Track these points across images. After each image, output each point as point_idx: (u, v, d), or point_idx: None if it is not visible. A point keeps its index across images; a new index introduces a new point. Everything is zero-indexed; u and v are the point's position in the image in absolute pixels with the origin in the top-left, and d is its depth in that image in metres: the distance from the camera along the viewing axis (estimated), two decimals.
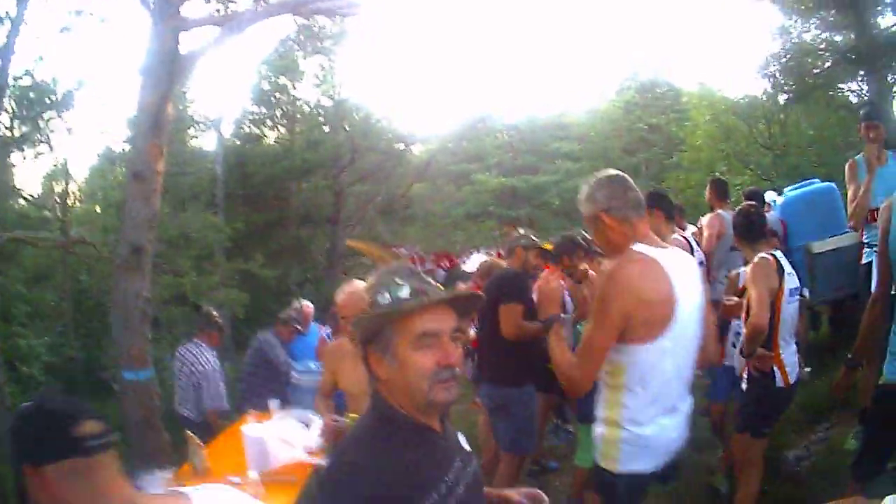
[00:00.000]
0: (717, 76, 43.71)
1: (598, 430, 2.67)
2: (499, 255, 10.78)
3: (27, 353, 12.55)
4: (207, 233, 12.57)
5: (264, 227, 17.95)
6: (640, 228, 2.61)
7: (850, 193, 4.58)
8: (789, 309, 3.83)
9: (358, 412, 2.58)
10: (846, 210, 5.64)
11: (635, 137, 26.85)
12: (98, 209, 15.47)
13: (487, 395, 4.91)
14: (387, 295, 1.69)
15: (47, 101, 9.77)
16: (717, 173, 13.35)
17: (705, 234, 6.15)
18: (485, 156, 28.12)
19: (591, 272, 5.93)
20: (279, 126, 20.52)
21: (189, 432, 4.28)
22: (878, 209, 4.20)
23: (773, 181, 12.79)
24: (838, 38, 13.87)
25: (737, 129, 17.04)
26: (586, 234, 6.23)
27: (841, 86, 14.95)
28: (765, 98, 16.08)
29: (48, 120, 10.12)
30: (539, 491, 2.01)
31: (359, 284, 4.42)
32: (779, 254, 3.91)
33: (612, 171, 2.76)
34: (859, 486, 3.19)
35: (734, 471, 4.23)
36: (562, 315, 4.95)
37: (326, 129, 19.25)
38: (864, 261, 4.65)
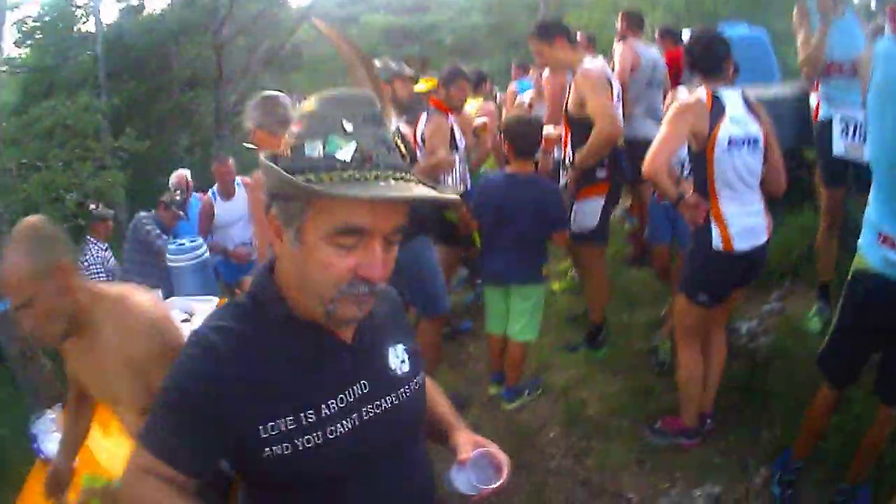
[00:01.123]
0: None
1: None
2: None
3: None
4: (82, 117, 11.73)
5: (145, 98, 17.32)
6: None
7: (799, 39, 4.12)
8: (735, 159, 3.11)
9: None
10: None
11: None
12: None
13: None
14: (319, 146, 1.13)
15: None
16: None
17: (617, 66, 5.68)
18: None
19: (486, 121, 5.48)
20: None
21: None
22: (834, 63, 3.96)
23: (685, 22, 12.38)
24: None
25: None
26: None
27: None
28: None
29: None
30: (494, 450, 1.48)
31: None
32: (729, 94, 3.18)
33: (267, 92, 3.29)
34: (834, 393, 2.82)
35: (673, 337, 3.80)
36: (454, 152, 4.61)
37: None
38: (820, 117, 4.28)
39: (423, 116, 4.77)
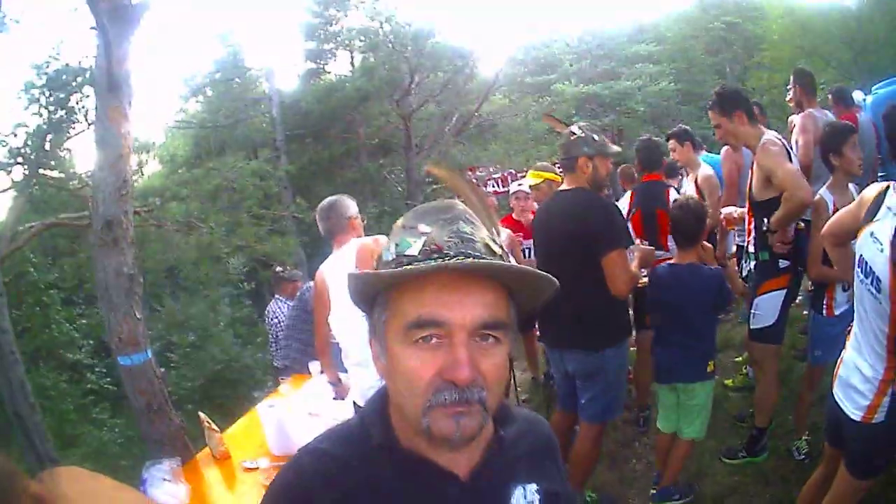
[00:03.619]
0: None
1: None
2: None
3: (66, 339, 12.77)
4: (246, 182, 12.19)
5: (329, 163, 18.03)
6: None
7: None
8: None
9: None
10: None
11: (714, 37, 25.33)
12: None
13: (576, 362, 3.84)
14: (393, 249, 1.09)
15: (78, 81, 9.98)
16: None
17: (800, 139, 5.14)
18: (559, 64, 26.98)
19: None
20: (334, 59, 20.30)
21: (202, 414, 3.89)
22: None
23: (855, 80, 11.85)
24: None
25: (812, 23, 16.22)
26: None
27: None
28: None
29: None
30: None
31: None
32: None
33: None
34: None
35: None
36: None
37: (376, 55, 18.78)
38: None
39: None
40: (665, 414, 3.99)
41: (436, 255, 1.04)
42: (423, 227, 1.08)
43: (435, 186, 17.94)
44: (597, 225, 3.55)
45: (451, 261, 1.03)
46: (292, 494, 1.13)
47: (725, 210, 4.38)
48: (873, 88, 6.19)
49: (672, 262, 3.85)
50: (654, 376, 4.21)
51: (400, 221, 1.14)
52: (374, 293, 1.11)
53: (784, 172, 3.63)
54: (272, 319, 6.76)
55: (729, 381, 5.39)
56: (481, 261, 1.05)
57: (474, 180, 13.47)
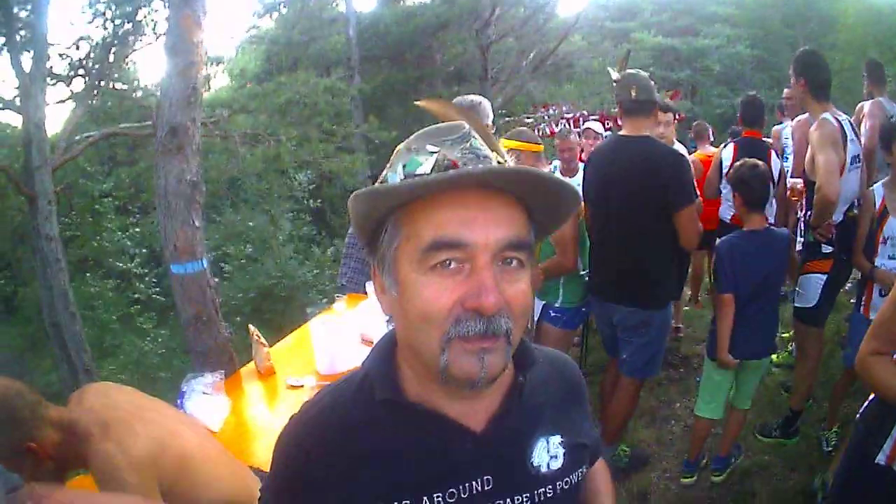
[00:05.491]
0: None
1: None
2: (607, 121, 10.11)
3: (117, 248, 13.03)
4: (318, 98, 11.96)
5: (404, 87, 17.83)
6: None
7: None
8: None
9: None
10: None
11: (792, 10, 24.48)
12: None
13: (622, 314, 3.79)
14: (400, 171, 0.97)
15: None
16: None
17: (866, 123, 5.18)
18: (639, 12, 26.50)
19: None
20: None
21: (252, 327, 3.80)
22: None
23: None
24: None
25: (885, 14, 15.94)
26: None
27: None
28: None
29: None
30: None
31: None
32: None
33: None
34: None
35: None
36: None
37: None
38: None
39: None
40: (715, 397, 3.87)
41: (448, 170, 0.93)
42: (431, 147, 0.97)
43: (508, 119, 17.47)
44: (673, 179, 3.42)
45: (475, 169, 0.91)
46: (291, 472, 1.10)
47: (791, 181, 4.31)
48: None
49: (747, 229, 3.61)
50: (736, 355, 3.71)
51: (403, 145, 1.02)
52: (381, 216, 0.98)
53: (820, 162, 3.59)
54: (348, 239, 6.81)
55: (774, 357, 5.29)
56: (507, 167, 0.96)
57: (546, 117, 13.26)
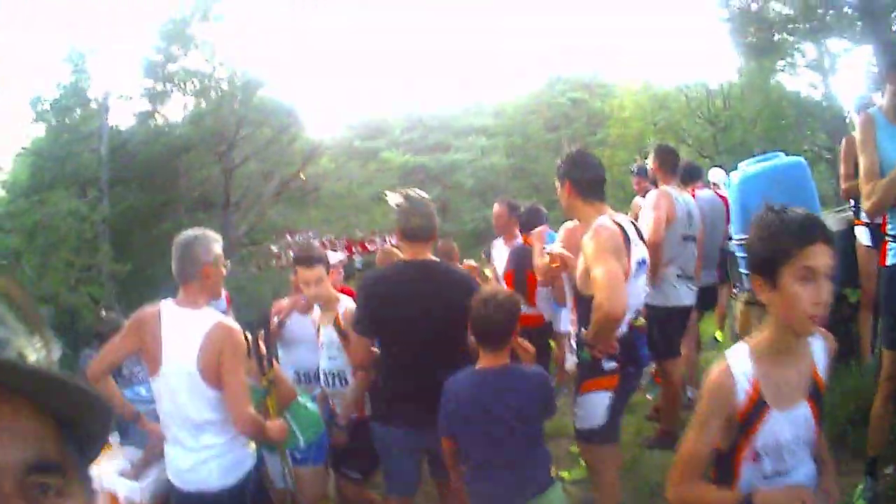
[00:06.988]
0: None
1: None
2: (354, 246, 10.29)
3: None
4: (66, 221, 11.54)
5: (149, 212, 16.99)
6: None
7: (863, 158, 3.27)
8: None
9: None
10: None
11: (557, 113, 26.11)
12: None
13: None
14: None
15: None
16: (647, 148, 12.95)
17: (651, 216, 4.81)
18: (388, 130, 26.66)
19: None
20: (169, 101, 19.16)
21: None
22: None
23: (713, 158, 12.20)
24: None
25: (673, 100, 17.04)
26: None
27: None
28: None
29: None
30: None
31: None
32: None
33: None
34: None
35: None
36: None
37: (206, 101, 18.04)
38: (890, 260, 3.37)
39: None
40: None
41: None
42: None
43: (253, 246, 17.47)
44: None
45: None
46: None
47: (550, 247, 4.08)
48: (740, 165, 5.66)
49: (478, 367, 3.03)
50: None
51: None
52: None
53: (599, 275, 3.15)
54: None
55: (565, 473, 4.81)
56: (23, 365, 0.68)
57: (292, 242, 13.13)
